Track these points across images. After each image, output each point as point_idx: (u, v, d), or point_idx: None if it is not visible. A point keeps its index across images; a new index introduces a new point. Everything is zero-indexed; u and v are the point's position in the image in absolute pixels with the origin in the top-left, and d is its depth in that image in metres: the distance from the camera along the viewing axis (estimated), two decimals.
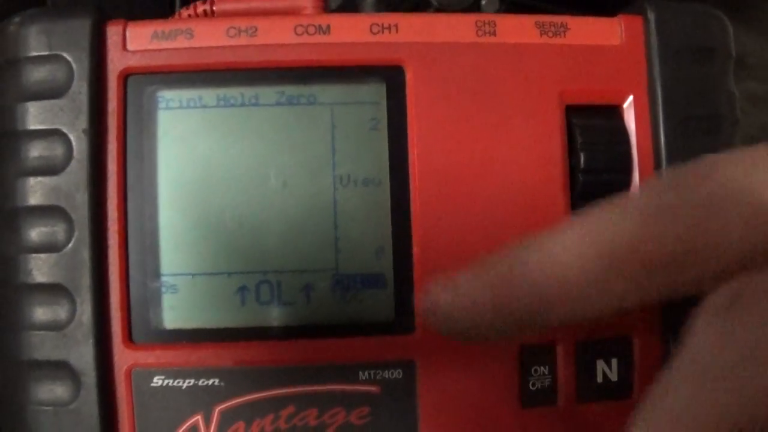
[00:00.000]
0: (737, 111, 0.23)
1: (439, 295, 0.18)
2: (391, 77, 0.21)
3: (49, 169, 0.20)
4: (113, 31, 0.21)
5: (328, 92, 0.21)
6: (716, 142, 0.22)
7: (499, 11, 0.24)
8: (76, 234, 0.20)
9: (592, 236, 0.16)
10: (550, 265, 0.16)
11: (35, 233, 0.20)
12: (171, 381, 0.20)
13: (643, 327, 0.21)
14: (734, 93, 0.23)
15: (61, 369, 0.20)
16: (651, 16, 0.22)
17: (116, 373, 0.20)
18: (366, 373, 0.20)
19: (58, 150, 0.20)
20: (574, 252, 0.16)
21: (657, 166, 0.21)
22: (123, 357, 0.20)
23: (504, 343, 0.19)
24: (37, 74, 0.21)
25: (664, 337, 0.21)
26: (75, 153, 0.20)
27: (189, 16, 0.22)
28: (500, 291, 0.17)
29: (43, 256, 0.20)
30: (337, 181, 0.21)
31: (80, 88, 0.20)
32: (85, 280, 0.20)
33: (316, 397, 0.20)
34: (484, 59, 0.21)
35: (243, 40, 0.21)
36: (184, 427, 0.20)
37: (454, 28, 0.21)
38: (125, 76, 0.21)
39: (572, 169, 0.21)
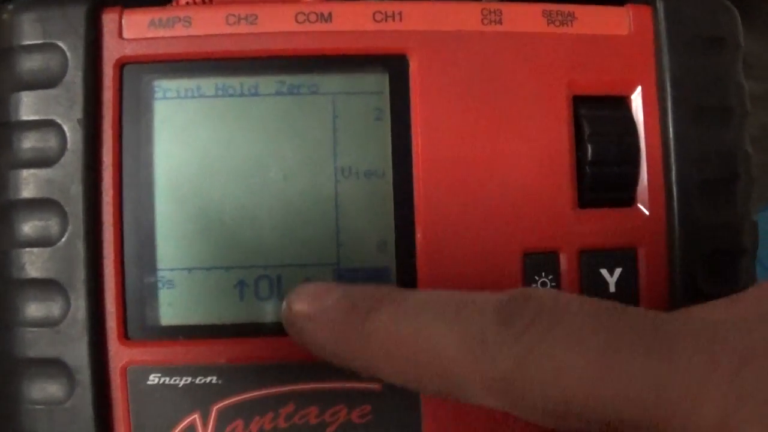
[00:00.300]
0: (747, 103, 0.22)
1: (298, 301, 0.17)
2: (395, 66, 0.20)
3: (43, 160, 0.20)
4: (109, 19, 0.20)
5: (329, 82, 0.20)
6: (726, 134, 0.21)
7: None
8: (70, 228, 0.20)
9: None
10: (409, 336, 0.15)
11: (28, 227, 0.20)
12: (167, 379, 0.20)
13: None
14: (744, 84, 0.22)
15: (55, 367, 0.19)
16: (660, 5, 0.21)
17: (111, 370, 0.20)
18: None
19: (51, 141, 0.20)
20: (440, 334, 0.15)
21: (665, 158, 0.21)
22: (118, 354, 0.20)
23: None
24: (30, 63, 0.20)
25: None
26: (69, 144, 0.20)
27: (187, 3, 0.22)
28: (346, 336, 0.16)
29: (36, 250, 0.20)
30: (338, 173, 0.20)
31: (75, 77, 0.20)
32: (80, 275, 0.19)
33: (317, 394, 0.20)
34: (490, 48, 0.21)
35: (242, 28, 0.20)
36: (180, 426, 0.20)
37: (459, 17, 0.21)
38: (121, 65, 0.20)
39: (579, 161, 0.21)
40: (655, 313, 0.14)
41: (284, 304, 0.18)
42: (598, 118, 0.21)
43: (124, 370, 0.20)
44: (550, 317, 0.14)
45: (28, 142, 0.20)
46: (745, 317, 0.14)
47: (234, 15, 0.20)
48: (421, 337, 0.15)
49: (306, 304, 0.17)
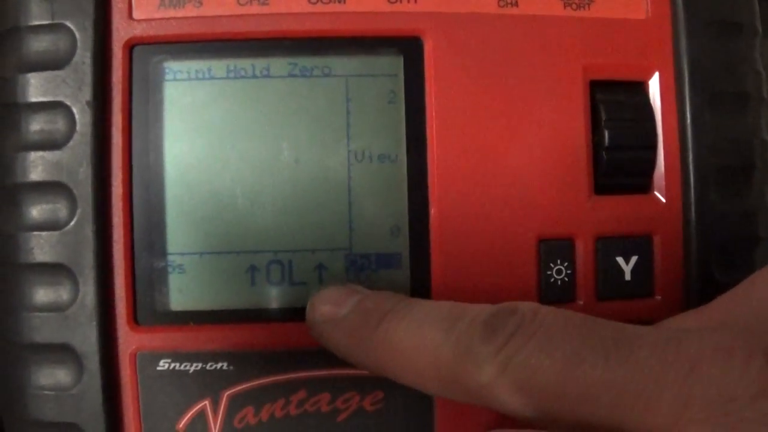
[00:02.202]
0: (764, 90, 0.22)
1: (321, 305, 0.18)
2: (409, 49, 0.20)
3: (51, 143, 0.20)
4: None
5: (343, 64, 0.20)
6: (743, 121, 0.21)
7: None
8: (78, 211, 0.19)
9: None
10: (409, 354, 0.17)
11: (36, 210, 0.20)
12: (177, 365, 0.20)
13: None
14: (761, 71, 0.22)
15: (63, 352, 0.19)
16: None
17: (120, 356, 0.20)
18: None
19: (60, 123, 0.20)
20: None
21: (682, 144, 0.21)
22: (127, 340, 0.20)
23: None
24: (39, 44, 0.20)
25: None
26: (78, 126, 0.20)
27: None
28: (360, 341, 0.18)
29: (44, 234, 0.19)
30: (351, 157, 0.20)
31: (84, 58, 0.20)
32: (88, 260, 0.19)
33: (329, 381, 0.20)
34: (506, 31, 0.20)
35: (254, 9, 0.20)
36: (191, 413, 0.20)
37: None
38: (131, 46, 0.20)
39: (595, 147, 0.21)
40: (622, 324, 0.15)
41: (308, 306, 0.19)
42: (615, 103, 0.21)
43: (133, 356, 0.20)
44: (528, 330, 0.15)
45: (36, 125, 0.20)
46: (704, 325, 0.16)
47: None
48: (421, 344, 0.16)
49: (327, 309, 0.18)
